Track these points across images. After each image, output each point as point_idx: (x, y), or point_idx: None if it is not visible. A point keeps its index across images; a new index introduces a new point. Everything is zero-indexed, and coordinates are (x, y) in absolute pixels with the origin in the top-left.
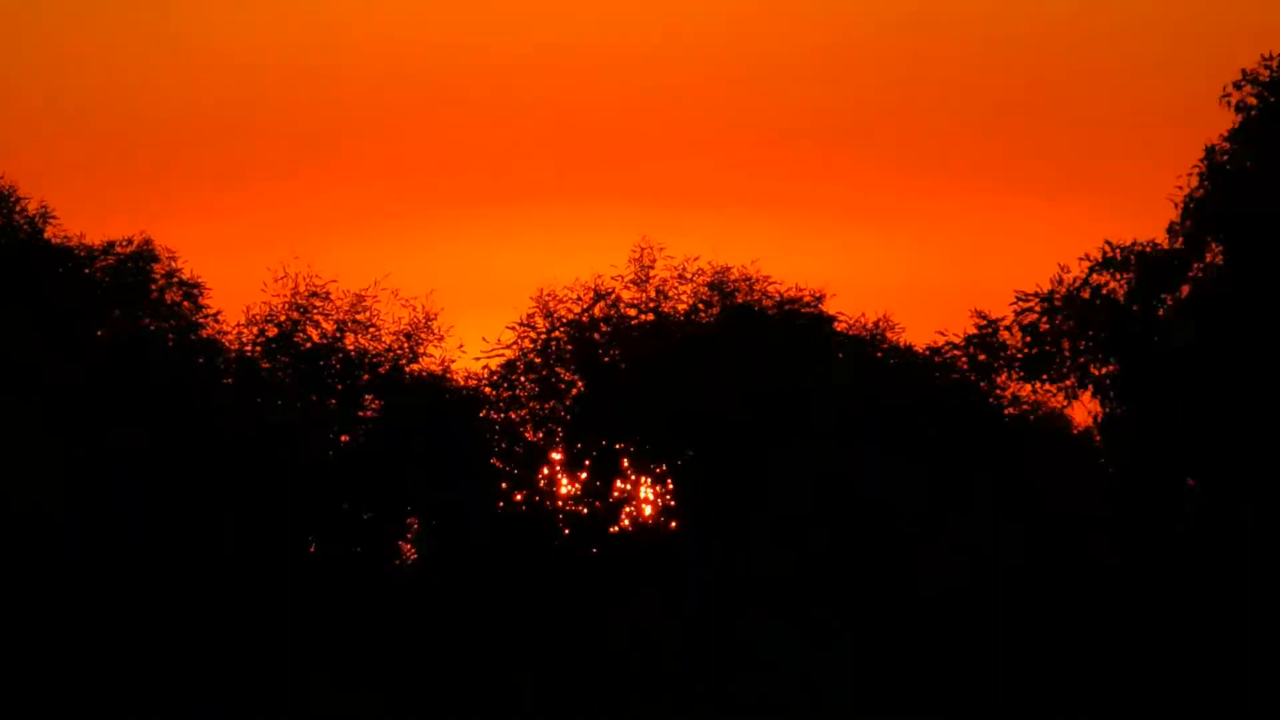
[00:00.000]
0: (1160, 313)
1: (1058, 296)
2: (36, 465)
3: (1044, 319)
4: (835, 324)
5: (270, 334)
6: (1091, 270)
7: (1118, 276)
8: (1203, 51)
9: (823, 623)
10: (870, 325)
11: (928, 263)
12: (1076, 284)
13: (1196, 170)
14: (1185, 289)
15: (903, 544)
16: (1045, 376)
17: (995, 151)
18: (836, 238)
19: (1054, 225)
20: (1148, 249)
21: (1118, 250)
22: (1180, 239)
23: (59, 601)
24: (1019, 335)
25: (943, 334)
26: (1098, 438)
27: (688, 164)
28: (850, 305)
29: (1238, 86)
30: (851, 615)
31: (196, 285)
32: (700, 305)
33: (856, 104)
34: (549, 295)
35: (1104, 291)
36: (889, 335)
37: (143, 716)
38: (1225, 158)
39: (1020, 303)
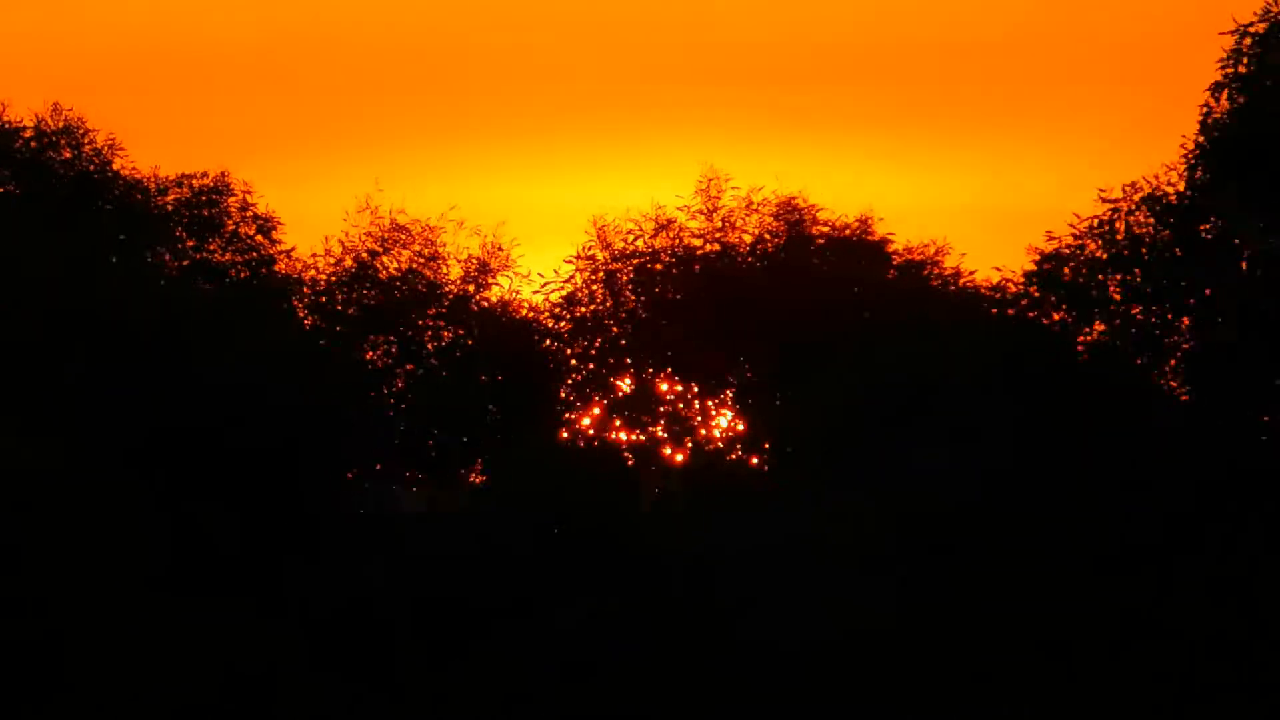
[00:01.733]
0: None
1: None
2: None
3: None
4: (887, 248)
5: (346, 265)
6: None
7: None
8: None
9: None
10: (929, 254)
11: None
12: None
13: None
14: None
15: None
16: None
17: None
18: (895, 164)
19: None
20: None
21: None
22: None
23: None
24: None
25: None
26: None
27: (747, 92)
28: (913, 234)
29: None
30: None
31: (269, 219)
32: (767, 235)
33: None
34: (605, 226)
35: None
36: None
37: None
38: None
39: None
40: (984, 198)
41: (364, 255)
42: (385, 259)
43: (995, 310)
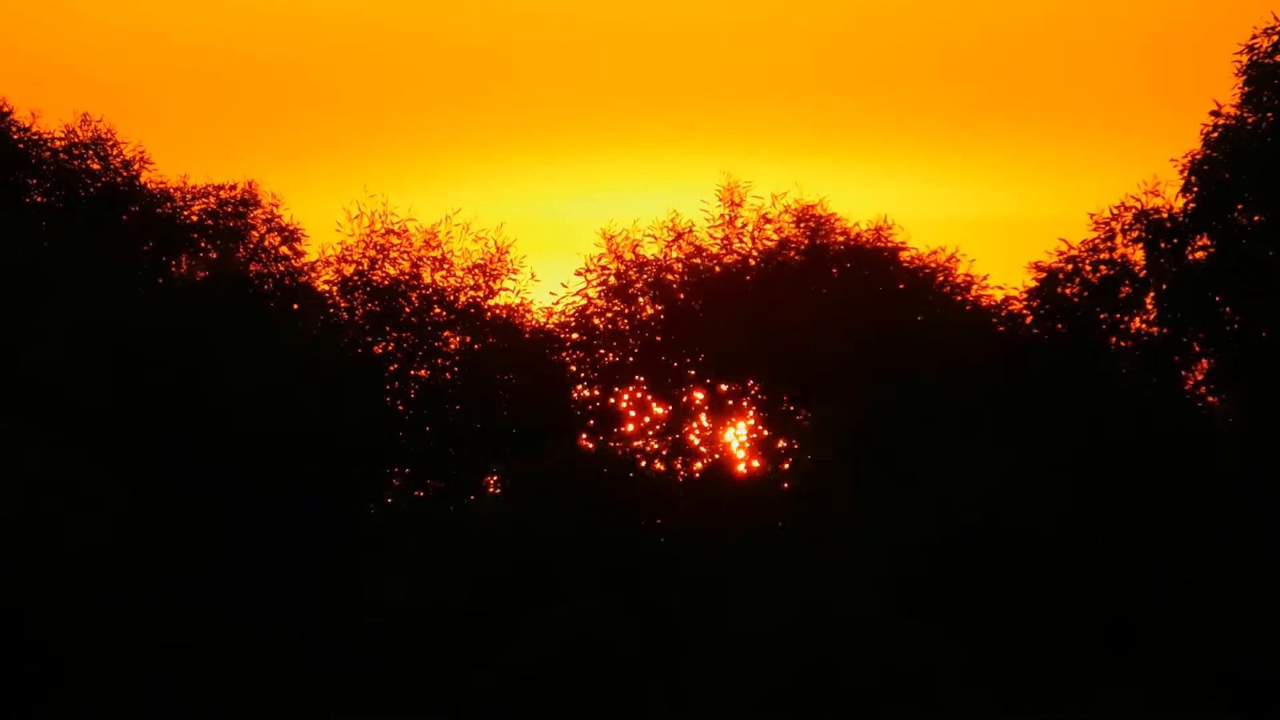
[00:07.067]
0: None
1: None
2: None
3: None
4: (900, 255)
5: (346, 273)
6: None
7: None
8: None
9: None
10: (940, 262)
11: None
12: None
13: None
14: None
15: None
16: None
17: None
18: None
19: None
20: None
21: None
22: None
23: None
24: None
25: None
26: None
27: (761, 106)
28: (927, 242)
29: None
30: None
31: (294, 231)
32: (785, 243)
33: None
34: (615, 236)
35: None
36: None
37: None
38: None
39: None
40: (1001, 207)
41: (363, 263)
42: (386, 265)
43: (1003, 328)
